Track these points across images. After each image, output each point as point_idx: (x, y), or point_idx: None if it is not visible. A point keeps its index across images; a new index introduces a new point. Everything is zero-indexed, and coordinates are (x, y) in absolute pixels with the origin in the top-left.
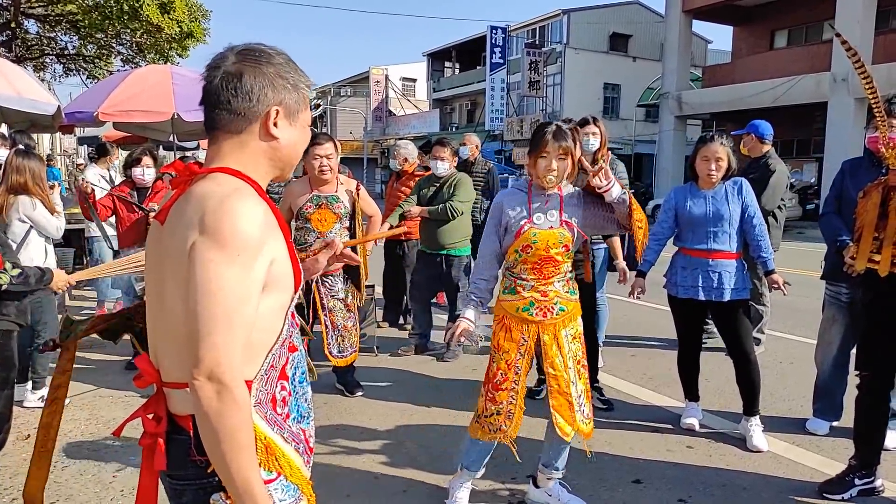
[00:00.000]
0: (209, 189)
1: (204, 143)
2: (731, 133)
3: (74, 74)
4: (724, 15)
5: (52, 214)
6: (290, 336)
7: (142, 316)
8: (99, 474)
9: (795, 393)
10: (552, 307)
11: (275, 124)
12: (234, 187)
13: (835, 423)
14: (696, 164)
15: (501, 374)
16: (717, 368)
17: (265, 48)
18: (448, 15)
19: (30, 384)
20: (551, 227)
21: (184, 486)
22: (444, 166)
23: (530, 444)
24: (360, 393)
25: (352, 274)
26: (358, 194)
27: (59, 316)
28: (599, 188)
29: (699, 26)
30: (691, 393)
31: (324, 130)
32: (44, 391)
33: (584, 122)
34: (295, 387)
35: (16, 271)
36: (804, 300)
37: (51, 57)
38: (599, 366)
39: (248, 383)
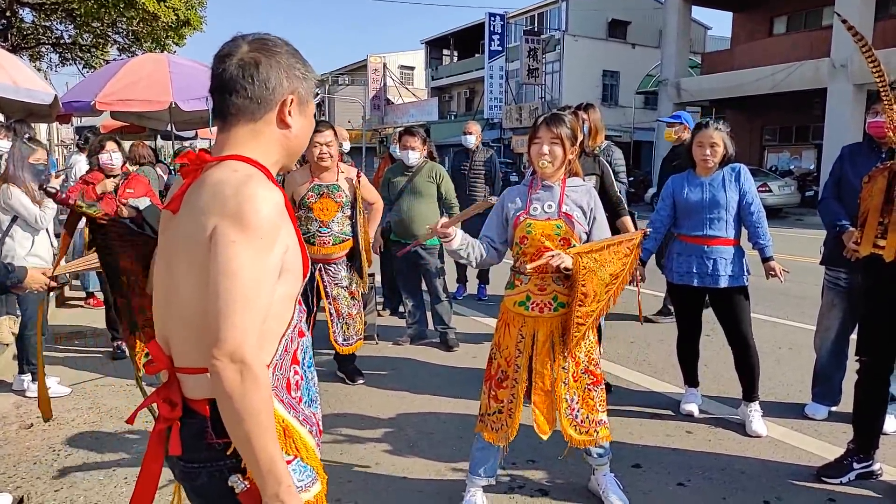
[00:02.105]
0: (224, 175)
1: (202, 132)
2: (658, 119)
3: (71, 64)
4: (722, 1)
5: (35, 204)
6: (300, 321)
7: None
8: (102, 462)
9: (794, 378)
10: (549, 303)
11: (289, 113)
12: (249, 173)
13: (833, 408)
14: (693, 150)
15: (502, 371)
16: (716, 354)
17: (274, 38)
18: (447, 2)
19: (29, 375)
20: (548, 218)
21: (199, 469)
22: (414, 156)
23: (529, 430)
24: (360, 381)
25: (354, 261)
26: (359, 182)
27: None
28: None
29: (699, 13)
30: (691, 379)
31: (322, 119)
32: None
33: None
34: (305, 371)
35: None
36: (802, 286)
37: (47, 46)
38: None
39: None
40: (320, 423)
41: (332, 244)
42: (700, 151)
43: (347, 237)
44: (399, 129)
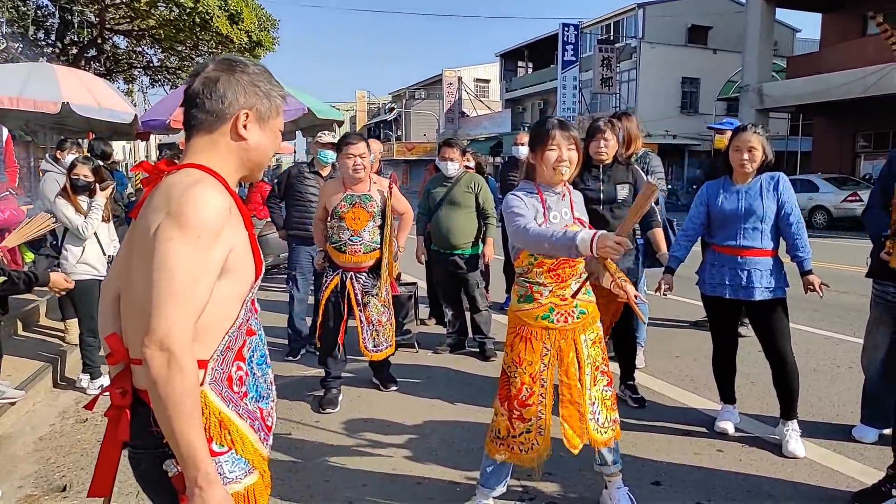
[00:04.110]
0: (176, 180)
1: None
2: (709, 126)
3: (160, 85)
4: (809, 1)
5: (79, 215)
6: (248, 321)
7: None
8: None
9: (847, 398)
10: (572, 311)
11: (244, 126)
12: (199, 178)
13: (886, 431)
14: (730, 155)
15: (527, 388)
16: (763, 371)
17: (242, 59)
18: (521, 14)
19: (88, 375)
20: (566, 224)
21: (142, 455)
22: (454, 167)
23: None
24: (393, 388)
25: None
26: (390, 193)
27: None
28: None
29: (787, 15)
30: (727, 395)
31: (398, 134)
32: (102, 380)
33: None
34: (252, 368)
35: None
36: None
37: (138, 69)
38: (640, 366)
39: (205, 362)
40: (268, 418)
41: (363, 252)
42: (737, 156)
43: (378, 246)
44: (442, 141)
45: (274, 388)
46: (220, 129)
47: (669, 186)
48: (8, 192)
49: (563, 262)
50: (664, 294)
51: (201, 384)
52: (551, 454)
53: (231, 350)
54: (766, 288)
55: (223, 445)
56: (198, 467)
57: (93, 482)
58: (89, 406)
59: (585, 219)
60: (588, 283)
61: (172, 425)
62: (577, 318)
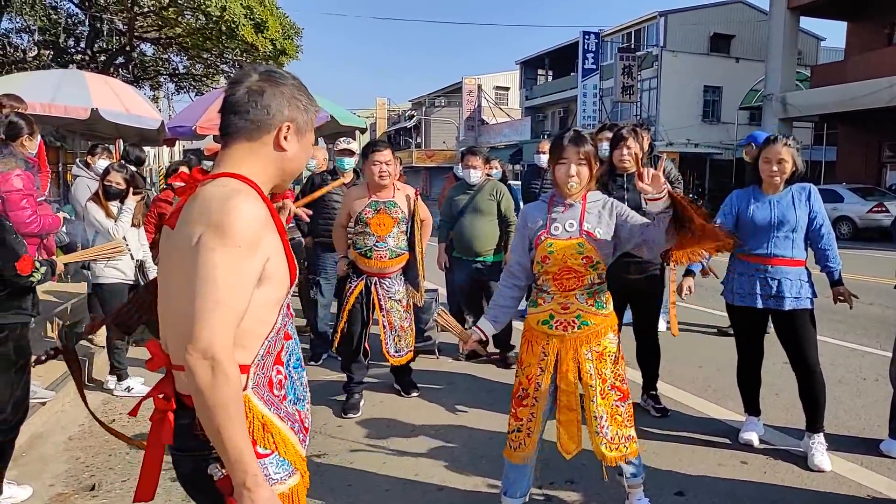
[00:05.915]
0: (214, 190)
1: None
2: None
3: (185, 92)
4: (834, 10)
5: (109, 219)
6: (285, 325)
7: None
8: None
9: (874, 412)
10: (573, 321)
11: (285, 138)
12: (237, 188)
13: None
14: (759, 167)
15: (523, 389)
16: (790, 382)
17: (283, 72)
18: (542, 22)
19: (115, 377)
20: (570, 237)
21: (186, 458)
22: (476, 175)
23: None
24: (415, 393)
25: (409, 275)
26: (416, 199)
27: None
28: (646, 194)
29: (811, 24)
30: (751, 406)
31: (418, 141)
32: (129, 381)
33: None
34: (290, 371)
35: (43, 269)
36: None
37: (165, 76)
38: (662, 330)
39: (247, 367)
40: (305, 420)
41: (388, 258)
42: (767, 168)
43: (403, 251)
44: (465, 149)
45: (308, 390)
46: (263, 138)
47: (692, 196)
48: (43, 199)
49: (567, 272)
50: (683, 297)
51: (244, 389)
52: (535, 454)
53: (271, 354)
54: (796, 297)
55: (267, 448)
56: (245, 470)
57: (138, 487)
58: (133, 412)
59: (603, 231)
60: (597, 295)
61: (220, 431)
62: (578, 329)
